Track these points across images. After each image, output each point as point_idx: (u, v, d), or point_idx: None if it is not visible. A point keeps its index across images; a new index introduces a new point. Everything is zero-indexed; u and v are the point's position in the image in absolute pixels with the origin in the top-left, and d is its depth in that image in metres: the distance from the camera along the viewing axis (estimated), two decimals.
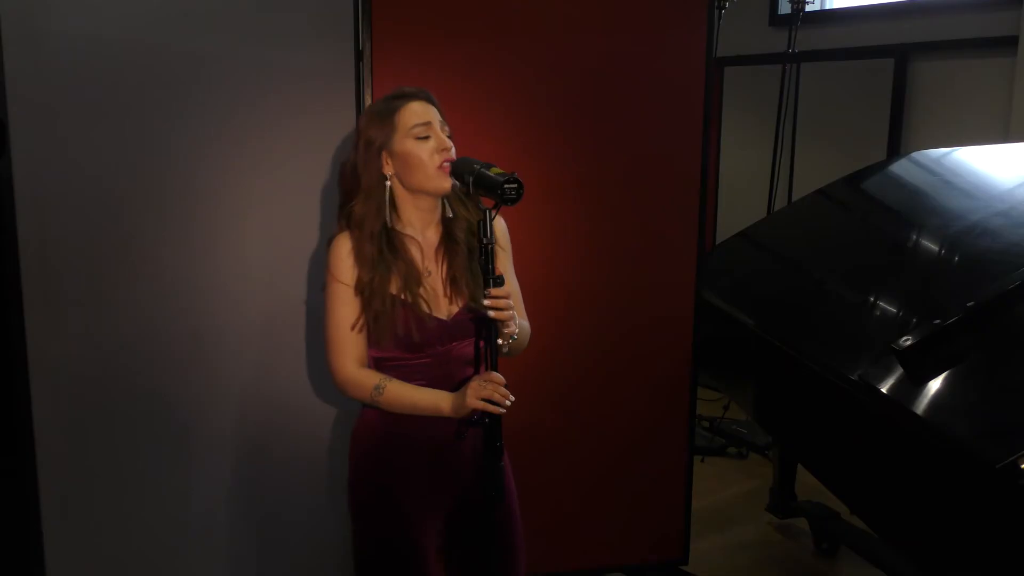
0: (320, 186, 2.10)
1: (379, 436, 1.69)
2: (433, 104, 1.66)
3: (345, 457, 1.74)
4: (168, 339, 2.05)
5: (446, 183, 1.60)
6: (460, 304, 1.67)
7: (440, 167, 1.59)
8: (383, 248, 1.62)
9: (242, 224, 2.07)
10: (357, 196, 1.65)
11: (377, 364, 1.68)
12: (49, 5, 1.87)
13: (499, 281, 1.53)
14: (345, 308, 1.64)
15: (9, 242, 1.91)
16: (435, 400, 1.62)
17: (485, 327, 1.58)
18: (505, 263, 1.76)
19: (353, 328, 1.64)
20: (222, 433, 2.13)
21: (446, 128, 1.65)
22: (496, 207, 1.50)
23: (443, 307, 1.66)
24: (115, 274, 2.00)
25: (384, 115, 1.64)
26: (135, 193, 1.99)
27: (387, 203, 1.64)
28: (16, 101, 1.87)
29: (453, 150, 1.63)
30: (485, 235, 1.51)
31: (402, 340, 1.63)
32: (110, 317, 2.01)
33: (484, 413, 1.55)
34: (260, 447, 2.17)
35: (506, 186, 1.46)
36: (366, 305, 1.62)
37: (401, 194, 1.65)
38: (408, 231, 1.67)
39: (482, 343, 1.68)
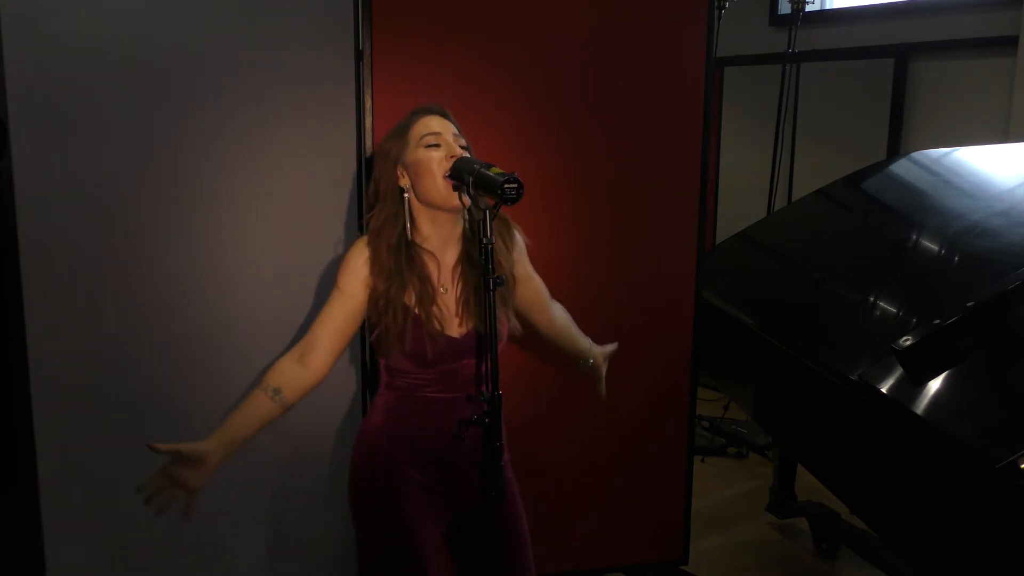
0: (321, 185, 2.10)
1: (378, 443, 1.70)
2: (448, 119, 1.69)
3: (348, 459, 1.75)
4: (170, 340, 2.05)
5: (454, 198, 1.60)
6: (469, 325, 1.67)
7: (446, 177, 1.60)
8: (401, 261, 1.63)
9: (243, 224, 2.07)
10: (376, 208, 1.68)
11: (388, 374, 1.69)
12: (49, 5, 1.87)
13: (500, 281, 1.53)
14: (329, 311, 1.67)
15: (9, 242, 1.91)
16: (213, 438, 1.60)
17: (489, 347, 1.57)
18: (524, 263, 1.83)
19: (323, 333, 1.66)
20: None
21: (461, 140, 1.66)
22: (496, 207, 1.51)
23: (454, 326, 1.67)
24: (116, 274, 2.00)
25: (401, 130, 1.68)
26: (136, 193, 1.99)
27: (406, 215, 1.65)
28: (16, 101, 1.87)
29: None
30: (485, 235, 1.51)
31: (412, 355, 1.63)
32: (111, 317, 2.00)
33: (484, 413, 1.55)
34: (265, 449, 2.17)
35: (506, 186, 1.46)
36: (379, 316, 1.64)
37: (418, 208, 1.67)
38: (426, 246, 1.68)
39: (484, 365, 1.68)
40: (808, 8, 3.91)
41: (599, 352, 2.01)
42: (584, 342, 2.00)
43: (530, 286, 1.86)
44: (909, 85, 3.80)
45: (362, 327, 2.13)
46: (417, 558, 1.68)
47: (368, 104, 2.10)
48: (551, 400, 2.40)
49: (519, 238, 1.81)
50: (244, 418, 1.63)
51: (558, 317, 1.96)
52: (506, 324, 1.71)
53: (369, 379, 2.18)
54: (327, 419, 2.20)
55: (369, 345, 2.11)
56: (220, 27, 1.99)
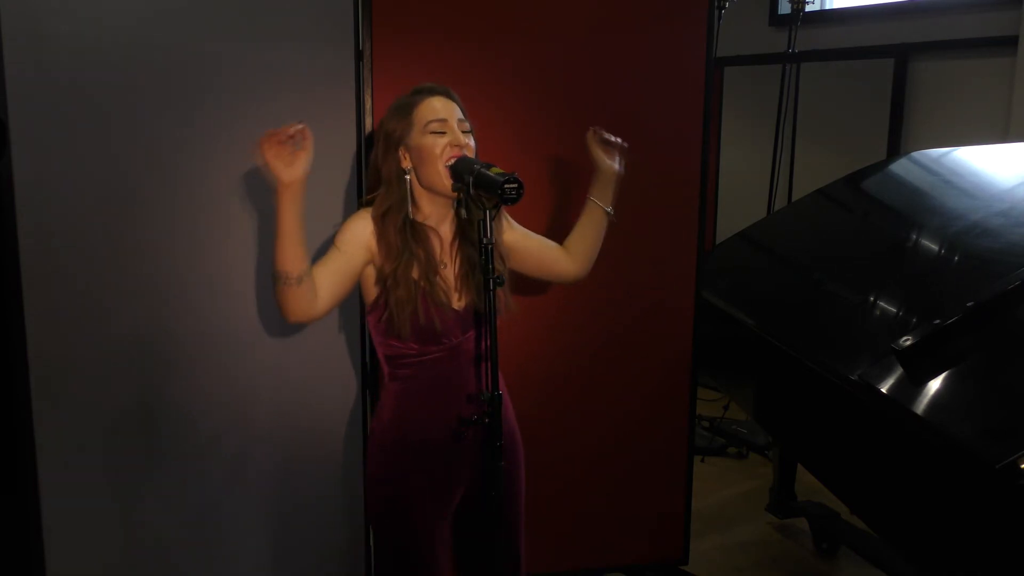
0: (321, 185, 2.10)
1: (389, 440, 1.71)
2: (454, 101, 1.69)
3: (351, 458, 1.76)
4: (171, 339, 2.05)
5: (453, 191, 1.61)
6: (468, 299, 1.69)
7: (447, 164, 1.61)
8: (407, 238, 1.64)
9: (243, 223, 2.07)
10: (379, 189, 1.68)
11: (391, 365, 1.69)
12: (49, 5, 1.87)
13: (500, 281, 1.53)
14: (327, 261, 1.64)
15: (9, 242, 1.91)
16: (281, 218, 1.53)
17: (489, 347, 1.57)
18: (516, 230, 1.84)
19: (321, 272, 1.62)
20: (227, 434, 2.13)
21: (465, 124, 1.66)
22: (496, 207, 1.51)
23: (454, 300, 1.68)
24: (116, 274, 2.00)
25: (404, 110, 1.67)
26: (135, 193, 1.99)
27: (408, 197, 1.66)
28: (16, 101, 1.87)
29: (471, 149, 1.65)
30: (485, 235, 1.51)
31: (422, 329, 1.64)
32: (111, 317, 2.00)
33: (483, 413, 1.55)
34: (265, 448, 2.17)
35: (506, 186, 1.47)
36: (389, 293, 1.64)
37: (418, 188, 1.68)
38: (428, 223, 1.69)
39: (485, 341, 1.69)
40: (808, 8, 3.91)
41: (595, 190, 1.91)
42: (585, 214, 1.92)
43: (531, 245, 1.86)
44: (909, 85, 3.80)
45: (362, 329, 2.14)
46: (433, 555, 1.71)
47: (368, 104, 2.10)
48: (551, 399, 2.40)
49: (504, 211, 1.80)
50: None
51: (571, 247, 1.92)
52: (503, 302, 1.72)
53: (369, 379, 2.18)
54: (327, 419, 2.20)
55: (369, 345, 2.11)
56: (220, 27, 1.99)
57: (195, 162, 2.01)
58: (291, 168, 1.48)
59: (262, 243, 2.09)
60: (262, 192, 2.07)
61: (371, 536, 2.17)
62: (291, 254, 1.54)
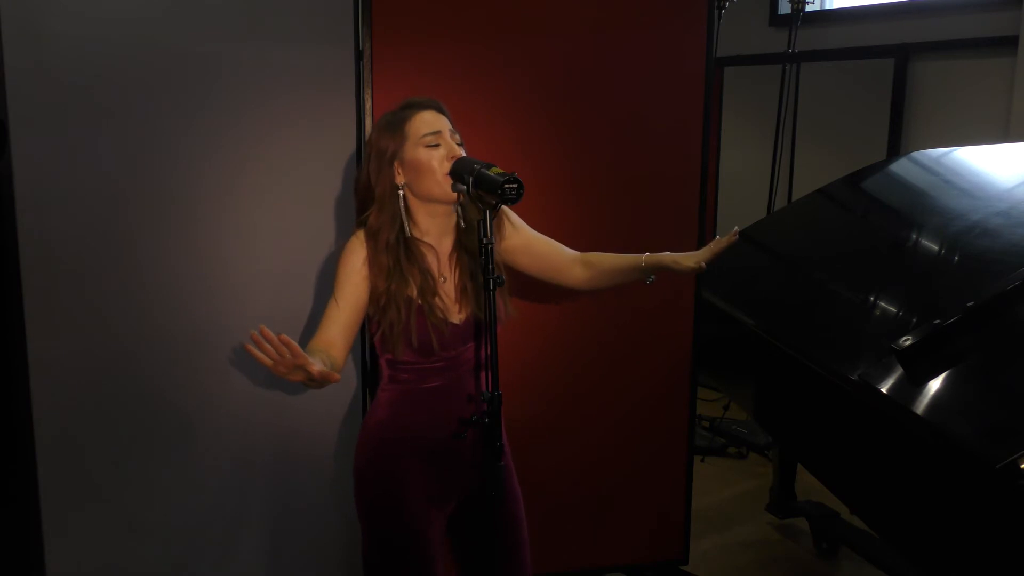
0: (321, 186, 2.10)
1: (384, 437, 1.71)
2: (443, 113, 1.68)
3: (350, 458, 1.75)
4: (170, 340, 2.05)
5: (453, 192, 1.61)
6: (468, 311, 1.68)
7: (447, 174, 1.60)
8: (400, 257, 1.63)
9: (243, 223, 2.07)
10: (371, 207, 1.67)
11: (391, 368, 1.69)
12: (49, 5, 1.87)
13: (500, 281, 1.53)
14: (337, 309, 1.64)
15: (9, 242, 1.91)
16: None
17: (490, 346, 1.56)
18: (524, 233, 1.82)
19: (336, 330, 1.63)
20: (225, 435, 2.13)
21: (456, 136, 1.66)
22: (496, 207, 1.51)
23: (454, 313, 1.67)
24: (115, 274, 2.00)
25: (395, 125, 1.66)
26: (135, 193, 1.99)
27: (402, 213, 1.65)
28: (16, 101, 1.87)
29: None
30: (485, 235, 1.51)
31: (419, 347, 1.64)
32: (110, 317, 2.01)
33: (483, 413, 1.55)
34: (264, 449, 2.17)
35: (506, 186, 1.47)
36: (383, 313, 1.63)
37: (414, 203, 1.67)
38: (426, 239, 1.68)
39: (485, 350, 1.69)
40: (808, 8, 3.91)
41: (659, 260, 1.83)
42: (630, 259, 1.85)
43: (541, 247, 1.84)
44: (909, 85, 3.80)
45: (362, 329, 2.14)
46: (422, 552, 1.69)
47: (368, 104, 2.10)
48: (552, 400, 2.41)
49: (508, 212, 1.79)
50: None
51: (591, 264, 1.88)
52: (503, 310, 1.71)
53: (369, 379, 2.19)
54: (328, 419, 2.20)
55: (369, 345, 2.12)
56: (220, 27, 1.99)
57: (195, 162, 2.01)
58: (303, 370, 1.42)
59: (263, 243, 2.09)
60: (262, 193, 2.08)
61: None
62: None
